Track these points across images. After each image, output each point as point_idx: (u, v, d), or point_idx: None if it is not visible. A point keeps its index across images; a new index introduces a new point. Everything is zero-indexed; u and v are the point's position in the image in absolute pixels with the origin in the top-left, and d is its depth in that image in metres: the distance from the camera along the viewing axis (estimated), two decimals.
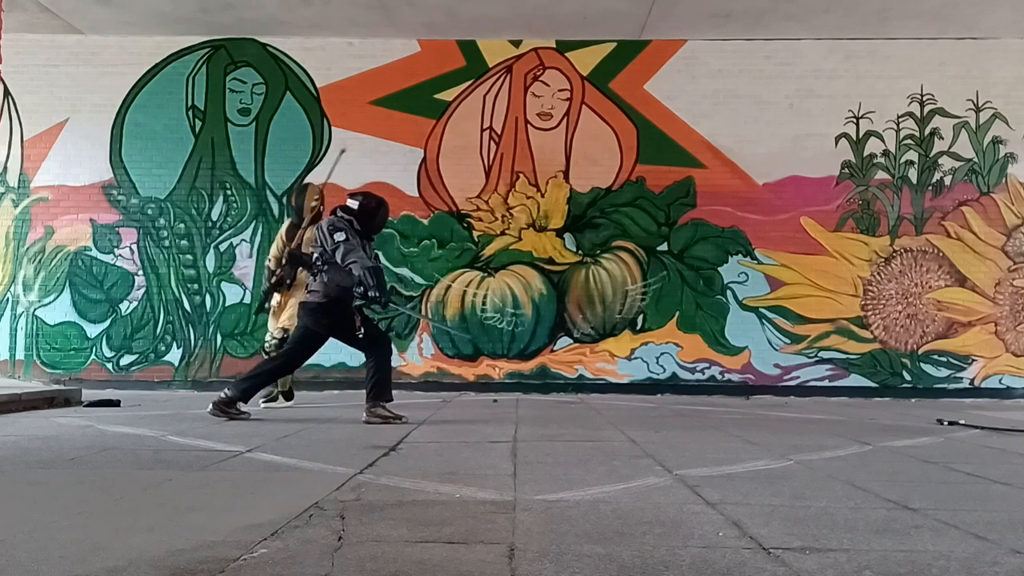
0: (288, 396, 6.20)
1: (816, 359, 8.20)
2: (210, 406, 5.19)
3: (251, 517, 2.27)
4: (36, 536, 2.06)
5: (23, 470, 3.16)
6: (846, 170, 8.34)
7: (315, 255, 5.26)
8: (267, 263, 6.31)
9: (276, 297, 6.03)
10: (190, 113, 8.48)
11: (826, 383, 8.16)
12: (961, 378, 8.18)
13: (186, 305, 8.35)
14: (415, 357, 8.26)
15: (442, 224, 8.37)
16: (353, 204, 5.30)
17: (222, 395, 5.22)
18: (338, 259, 5.09)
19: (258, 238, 8.38)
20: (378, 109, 8.45)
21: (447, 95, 8.46)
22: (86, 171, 8.44)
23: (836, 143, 8.35)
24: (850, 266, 8.26)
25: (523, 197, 8.36)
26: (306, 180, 7.91)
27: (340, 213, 5.28)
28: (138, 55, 8.47)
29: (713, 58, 8.39)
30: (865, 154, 8.35)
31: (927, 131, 8.35)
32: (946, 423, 5.35)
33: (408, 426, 4.84)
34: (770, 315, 8.23)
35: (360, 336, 5.22)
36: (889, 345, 8.21)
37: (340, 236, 5.14)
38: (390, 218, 8.19)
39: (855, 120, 8.36)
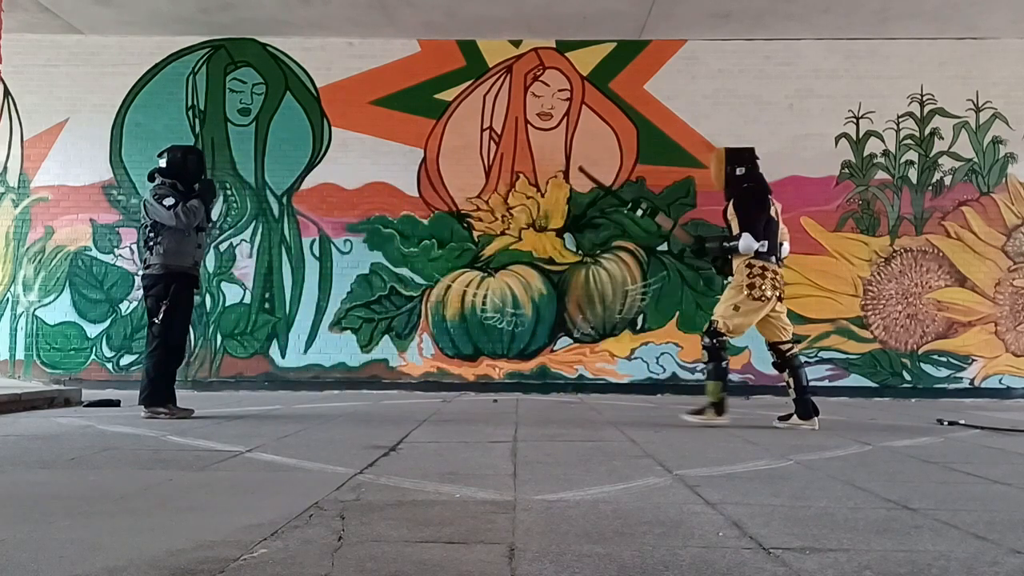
0: (720, 410, 5.20)
1: (816, 359, 8.19)
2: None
3: (251, 517, 2.27)
4: (36, 536, 2.06)
5: (23, 470, 3.16)
6: (846, 170, 8.33)
7: (148, 228, 5.34)
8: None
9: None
10: (190, 113, 8.48)
11: (826, 383, 8.14)
12: (961, 378, 8.17)
13: None
14: (415, 357, 8.26)
15: (442, 224, 8.37)
16: (162, 163, 5.44)
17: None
18: (183, 223, 5.24)
19: (258, 238, 8.38)
20: (378, 109, 8.45)
21: (447, 95, 8.45)
22: (86, 171, 8.44)
23: (836, 143, 8.35)
24: (850, 266, 8.26)
25: (523, 197, 8.37)
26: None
27: (157, 176, 5.44)
28: (138, 55, 8.47)
29: (713, 58, 8.39)
30: (865, 154, 8.35)
31: (927, 131, 8.35)
32: (946, 423, 5.35)
33: (408, 425, 4.84)
34: None
35: (158, 320, 5.30)
36: (889, 345, 8.21)
37: (170, 201, 5.27)
38: (391, 218, 8.37)
39: (855, 120, 8.36)
